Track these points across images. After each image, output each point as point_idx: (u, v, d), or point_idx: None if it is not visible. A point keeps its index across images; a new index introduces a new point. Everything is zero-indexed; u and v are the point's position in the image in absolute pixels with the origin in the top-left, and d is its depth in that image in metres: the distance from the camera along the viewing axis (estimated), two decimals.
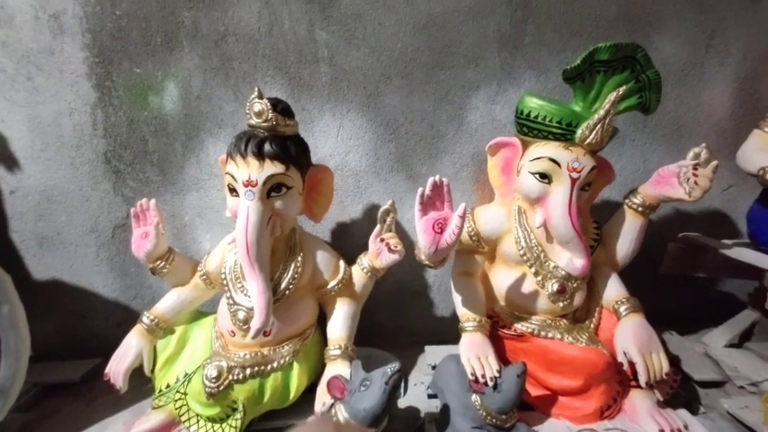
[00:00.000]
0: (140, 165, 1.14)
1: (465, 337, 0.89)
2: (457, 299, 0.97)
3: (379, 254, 0.96)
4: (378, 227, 0.97)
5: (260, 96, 0.84)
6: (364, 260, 0.98)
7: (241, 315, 0.85)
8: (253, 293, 0.80)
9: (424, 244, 0.77)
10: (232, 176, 0.83)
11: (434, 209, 0.79)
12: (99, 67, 1.08)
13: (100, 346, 1.23)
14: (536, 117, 0.87)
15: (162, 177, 1.15)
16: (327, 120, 1.13)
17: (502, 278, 0.96)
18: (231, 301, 0.87)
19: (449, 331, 1.28)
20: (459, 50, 1.11)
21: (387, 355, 1.11)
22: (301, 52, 1.09)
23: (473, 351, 0.85)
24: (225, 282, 0.88)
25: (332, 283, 0.95)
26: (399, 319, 1.28)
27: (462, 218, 0.76)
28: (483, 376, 0.79)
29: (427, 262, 0.83)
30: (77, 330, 1.23)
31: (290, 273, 0.88)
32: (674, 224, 1.20)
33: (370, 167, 1.17)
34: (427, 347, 1.19)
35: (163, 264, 0.93)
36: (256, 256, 0.81)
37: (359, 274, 0.98)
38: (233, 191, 0.85)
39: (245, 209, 0.81)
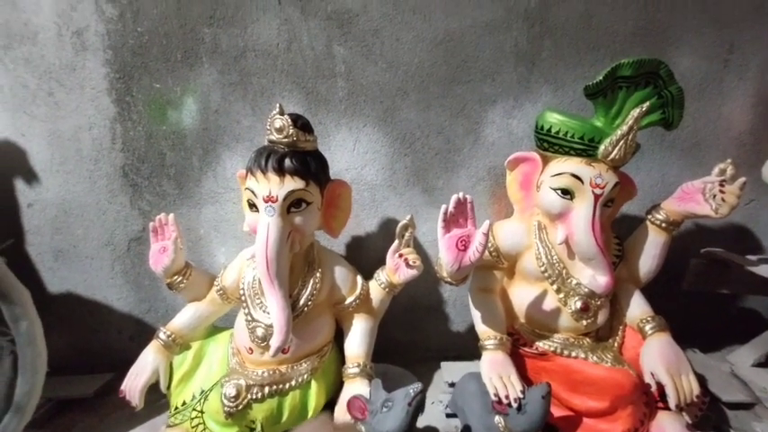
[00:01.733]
0: (157, 178, 1.15)
1: (486, 356, 0.87)
2: (476, 316, 0.95)
3: (396, 269, 0.95)
4: (396, 242, 0.96)
5: (281, 112, 0.84)
6: (382, 275, 0.97)
7: (259, 332, 0.84)
8: (272, 310, 0.79)
9: (447, 261, 0.76)
10: (252, 192, 0.83)
11: (457, 226, 0.78)
12: (119, 82, 1.09)
13: (113, 360, 1.22)
14: (557, 132, 0.86)
15: (179, 191, 1.16)
16: (344, 134, 1.13)
17: (522, 295, 0.95)
18: (249, 318, 0.86)
19: (465, 347, 1.26)
20: (475, 65, 1.11)
21: (403, 372, 1.09)
22: (319, 67, 1.10)
23: (495, 370, 0.83)
24: (243, 298, 0.87)
25: (350, 299, 0.94)
26: (414, 335, 1.26)
27: (486, 235, 0.75)
28: (507, 397, 0.77)
29: (449, 279, 0.82)
30: (91, 344, 1.23)
31: (309, 289, 0.87)
32: (696, 239, 1.18)
33: (386, 181, 1.17)
34: (443, 364, 1.17)
35: (180, 279, 0.93)
36: (276, 273, 0.80)
37: (376, 290, 0.97)
38: (252, 206, 0.85)
39: (266, 225, 0.81)
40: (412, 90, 1.12)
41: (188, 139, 1.13)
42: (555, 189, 0.86)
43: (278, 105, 0.85)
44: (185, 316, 0.96)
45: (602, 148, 0.83)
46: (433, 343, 1.26)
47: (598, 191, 0.83)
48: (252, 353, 0.86)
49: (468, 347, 1.26)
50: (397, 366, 1.11)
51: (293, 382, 0.84)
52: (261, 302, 0.86)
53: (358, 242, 1.21)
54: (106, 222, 1.17)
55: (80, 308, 1.21)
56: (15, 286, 0.81)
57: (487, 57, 1.11)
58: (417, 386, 0.71)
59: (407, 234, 0.95)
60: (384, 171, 1.16)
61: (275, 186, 0.82)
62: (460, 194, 0.79)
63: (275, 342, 0.76)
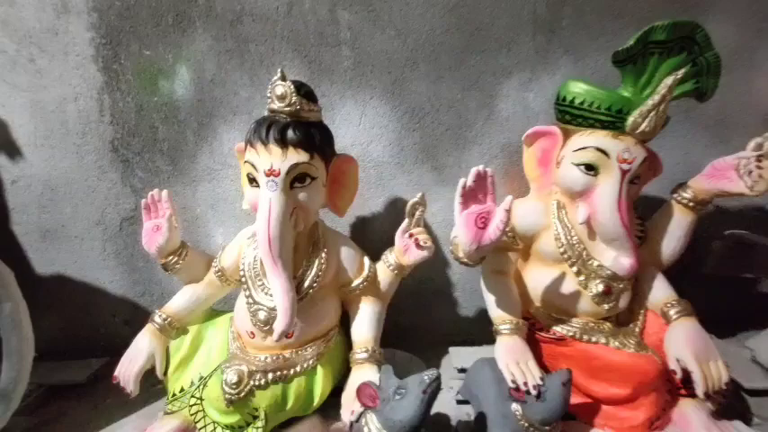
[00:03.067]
0: (150, 154, 1.08)
1: (501, 341, 0.82)
2: (489, 299, 0.90)
3: (406, 250, 0.89)
4: (406, 221, 0.90)
5: (283, 78, 0.77)
6: (390, 257, 0.92)
7: (262, 315, 0.78)
8: (276, 292, 0.73)
9: (465, 240, 0.70)
10: (252, 165, 0.77)
11: (476, 202, 0.72)
12: (106, 48, 1.01)
13: (106, 345, 1.18)
14: (581, 103, 0.80)
15: (172, 167, 1.09)
16: (349, 107, 1.06)
17: (538, 277, 0.90)
18: (251, 301, 0.80)
19: (473, 332, 1.22)
20: (490, 34, 1.03)
21: (410, 357, 1.05)
22: (322, 34, 1.02)
23: (511, 356, 0.78)
24: (243, 279, 0.82)
25: (356, 282, 0.88)
26: (421, 319, 1.21)
27: (509, 212, 0.69)
28: (525, 384, 0.73)
29: (465, 259, 0.76)
30: (82, 328, 1.18)
31: (314, 270, 0.82)
32: (719, 221, 1.13)
33: (393, 158, 1.10)
34: (451, 349, 1.13)
35: (176, 259, 0.87)
36: (279, 252, 0.74)
37: (384, 272, 0.92)
38: (252, 181, 0.78)
39: (267, 200, 0.75)
40: (422, 60, 1.04)
41: (181, 112, 1.05)
42: (577, 164, 0.80)
43: (279, 70, 0.78)
44: (182, 299, 0.90)
45: (630, 119, 0.77)
46: (440, 327, 1.22)
47: (625, 166, 0.77)
48: (254, 337, 0.81)
49: (478, 332, 1.23)
50: (403, 351, 1.07)
51: (298, 368, 0.79)
52: (263, 284, 0.80)
53: (363, 222, 1.15)
54: (96, 200, 1.10)
55: (71, 290, 1.15)
56: None
57: (503, 24, 1.03)
58: (433, 373, 0.66)
59: (418, 213, 0.89)
60: (391, 147, 1.09)
61: (277, 159, 0.75)
62: (481, 167, 0.73)
63: (279, 326, 0.71)
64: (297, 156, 0.76)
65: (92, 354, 1.14)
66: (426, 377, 0.66)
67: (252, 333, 0.81)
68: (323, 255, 0.83)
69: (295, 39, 1.02)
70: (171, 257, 0.87)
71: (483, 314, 1.22)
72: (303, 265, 0.82)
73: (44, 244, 1.12)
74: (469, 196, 0.71)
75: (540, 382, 0.72)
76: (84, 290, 1.15)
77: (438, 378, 0.66)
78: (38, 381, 1.00)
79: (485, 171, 0.72)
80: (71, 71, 1.02)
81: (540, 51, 1.05)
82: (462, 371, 1.04)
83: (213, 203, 1.12)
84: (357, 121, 1.07)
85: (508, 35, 1.04)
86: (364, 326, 0.87)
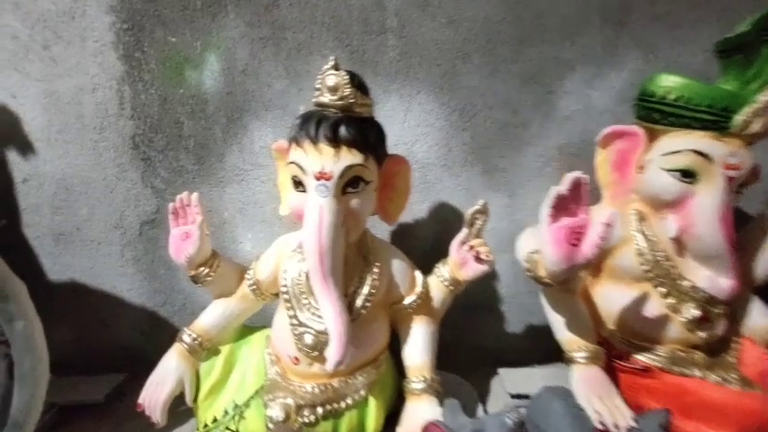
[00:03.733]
0: (174, 151, 0.98)
1: (578, 372, 0.72)
2: (556, 320, 0.80)
3: (463, 264, 0.80)
4: (463, 231, 0.80)
5: (336, 67, 0.68)
6: (444, 270, 0.82)
7: (309, 339, 0.69)
8: (327, 315, 0.64)
9: (554, 258, 0.60)
10: (299, 167, 0.67)
11: (567, 214, 0.62)
12: (127, 34, 0.91)
13: (124, 358, 1.08)
14: (676, 99, 0.69)
15: (198, 166, 0.99)
16: (393, 102, 0.96)
17: (614, 297, 0.80)
18: (295, 322, 0.70)
19: (521, 349, 1.12)
20: (552, 23, 0.93)
21: (460, 381, 0.95)
22: (366, 21, 0.92)
23: (594, 390, 0.68)
24: (286, 297, 0.72)
25: (409, 299, 0.78)
26: (465, 335, 1.11)
27: (610, 227, 0.59)
28: (616, 426, 0.63)
29: (548, 279, 0.66)
30: (98, 339, 1.08)
31: (367, 287, 0.72)
32: None
33: (439, 160, 1.00)
34: (502, 371, 1.03)
35: (207, 271, 0.78)
36: (331, 268, 0.64)
37: (438, 287, 0.82)
38: (298, 184, 0.69)
39: (317, 208, 0.65)
40: (475, 51, 0.94)
41: (209, 106, 0.95)
42: (670, 170, 0.70)
43: (332, 59, 0.68)
44: (212, 315, 0.81)
45: (738, 118, 0.66)
46: (486, 345, 1.12)
47: (732, 172, 0.66)
48: (298, 363, 0.71)
49: (526, 350, 1.13)
50: (451, 374, 0.97)
51: (349, 400, 0.70)
52: (309, 303, 0.70)
53: (405, 230, 1.05)
54: (114, 202, 1.01)
55: (86, 299, 1.06)
56: (8, 279, 0.66)
57: (567, 14, 0.92)
58: (515, 415, 0.57)
59: (479, 222, 0.79)
60: (438, 148, 0.99)
61: (329, 160, 0.65)
62: (578, 174, 0.62)
63: (334, 355, 0.62)
64: (350, 157, 0.66)
65: (108, 368, 1.04)
66: (509, 420, 0.57)
67: (296, 359, 0.71)
68: (375, 269, 0.73)
69: (336, 25, 0.92)
70: (202, 269, 0.77)
71: (532, 331, 1.13)
72: (355, 281, 0.72)
73: (57, 248, 1.03)
74: (560, 207, 0.61)
75: (634, 424, 0.62)
76: (101, 299, 1.06)
77: (523, 424, 0.56)
78: (50, 400, 0.91)
79: (581, 178, 0.62)
80: (89, 59, 0.92)
81: (607, 45, 0.94)
82: (517, 397, 0.94)
83: (242, 207, 1.02)
84: (402, 119, 0.97)
85: (572, 26, 0.93)
86: (419, 350, 0.77)
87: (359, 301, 0.71)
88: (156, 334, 1.09)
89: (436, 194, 1.02)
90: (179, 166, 0.99)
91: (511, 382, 0.98)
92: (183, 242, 0.77)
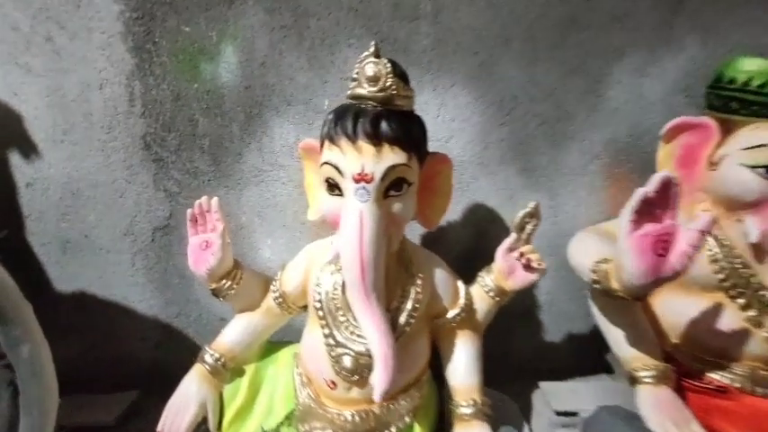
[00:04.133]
0: (188, 152, 0.91)
1: (647, 394, 0.64)
2: (613, 333, 0.73)
3: (511, 272, 0.72)
4: (512, 236, 0.72)
5: (376, 54, 0.60)
6: (488, 279, 0.74)
7: (348, 362, 0.61)
8: (370, 336, 0.56)
9: (637, 271, 0.52)
10: (335, 168, 0.59)
11: (652, 219, 0.54)
12: (137, 24, 0.84)
13: (136, 374, 1.01)
14: (761, 87, 0.61)
15: (214, 168, 0.92)
16: (426, 95, 0.88)
17: (680, 308, 0.72)
18: (332, 342, 0.63)
19: (559, 360, 1.05)
20: (600, 5, 0.84)
21: (501, 398, 0.87)
22: (398, 6, 0.84)
23: (668, 415, 0.60)
24: (321, 314, 0.64)
25: (452, 312, 0.71)
26: (501, 345, 1.03)
27: (704, 234, 0.51)
28: None
29: (621, 293, 0.58)
30: (108, 354, 1.01)
31: (410, 302, 0.64)
32: None
33: (475, 157, 0.92)
34: (544, 385, 0.95)
35: (229, 283, 0.70)
36: (374, 282, 0.57)
37: (481, 298, 0.74)
38: (334, 187, 0.61)
39: (357, 214, 0.57)
40: (516, 38, 0.86)
41: (226, 102, 0.88)
42: (752, 167, 0.62)
43: (372, 44, 0.60)
44: (235, 332, 0.73)
45: None
46: (523, 355, 1.04)
47: None
48: (335, 388, 0.64)
49: (565, 361, 1.05)
50: (494, 390, 0.89)
51: (393, 429, 0.63)
52: (347, 320, 0.63)
53: (435, 233, 0.97)
54: (124, 207, 0.93)
55: (94, 311, 0.99)
56: (12, 299, 0.59)
57: None
58: None
59: (530, 227, 0.71)
60: (474, 144, 0.91)
61: (370, 160, 0.58)
62: (667, 173, 0.54)
63: (381, 383, 0.54)
64: (393, 156, 0.58)
65: (119, 385, 0.97)
66: None
67: (332, 383, 0.64)
68: (418, 281, 0.66)
69: (364, 11, 0.84)
70: (224, 281, 0.70)
71: (573, 341, 1.05)
72: (397, 295, 0.64)
73: (64, 257, 0.96)
74: (644, 211, 0.53)
75: None
76: (110, 310, 0.99)
77: None
78: (58, 422, 0.84)
79: (671, 178, 0.54)
80: (96, 52, 0.85)
81: (661, 27, 0.86)
82: (564, 414, 0.87)
83: (260, 210, 0.95)
84: (435, 113, 0.89)
85: (622, 7, 0.85)
86: (465, 369, 0.69)
87: (402, 318, 0.63)
88: (169, 347, 1.02)
89: (471, 195, 0.95)
90: (193, 168, 0.92)
91: (555, 397, 0.90)
92: (203, 252, 0.69)
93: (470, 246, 0.96)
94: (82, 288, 0.98)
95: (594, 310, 0.79)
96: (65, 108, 0.87)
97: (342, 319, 0.63)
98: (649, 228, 0.52)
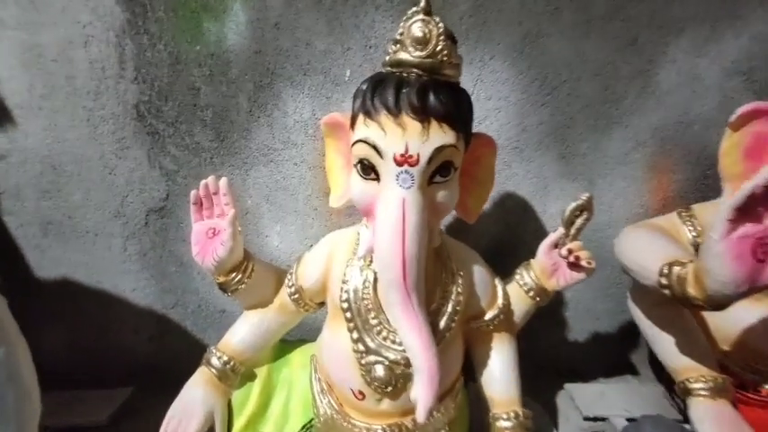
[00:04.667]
0: (187, 125, 0.80)
1: (705, 407, 0.59)
2: (663, 341, 0.67)
3: (555, 270, 0.65)
4: (558, 231, 0.65)
5: (427, 10, 0.50)
6: (528, 277, 0.66)
7: (381, 371, 0.53)
8: (411, 344, 0.48)
9: (733, 277, 0.45)
10: (373, 147, 0.50)
11: (751, 219, 0.46)
12: None
13: (129, 369, 0.93)
14: None
15: (218, 144, 0.81)
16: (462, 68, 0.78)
17: (733, 313, 0.64)
18: (362, 348, 0.54)
19: (579, 359, 0.99)
20: None
21: (529, 402, 0.81)
22: None
23: None
24: (349, 315, 0.56)
25: (490, 314, 0.63)
26: (520, 343, 0.98)
27: None
28: None
29: (701, 301, 0.51)
30: (98, 347, 0.92)
31: (451, 304, 0.56)
32: None
33: (511, 141, 0.83)
34: (569, 387, 0.90)
35: (239, 277, 0.61)
36: (416, 283, 0.49)
37: (520, 297, 0.67)
38: (369, 169, 0.52)
39: (398, 202, 0.49)
40: (566, 6, 0.76)
41: (233, 68, 0.77)
42: None
43: (423, 0, 0.50)
44: (245, 331, 0.65)
45: None
46: (545, 354, 0.98)
47: None
48: (363, 398, 0.56)
49: (585, 360, 1.00)
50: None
51: None
52: (379, 324, 0.55)
53: (463, 224, 0.89)
54: (114, 185, 0.83)
55: (81, 300, 0.89)
56: None
57: None
58: None
59: (580, 221, 0.63)
60: (511, 127, 0.82)
61: (415, 139, 0.49)
62: None
63: (426, 399, 0.46)
64: (441, 135, 0.49)
65: (111, 381, 0.89)
66: None
67: (360, 393, 0.56)
68: (459, 280, 0.58)
69: None
70: (233, 274, 0.61)
71: (598, 340, 1.00)
72: (436, 296, 0.56)
73: (46, 240, 0.85)
74: (744, 210, 0.45)
75: None
76: (99, 300, 0.89)
77: None
78: (45, 422, 0.76)
79: None
80: (79, 3, 0.73)
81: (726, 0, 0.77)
82: (592, 419, 0.82)
83: (269, 193, 0.85)
84: (470, 89, 0.78)
85: None
86: (504, 378, 0.63)
87: (442, 322, 0.55)
88: (166, 340, 0.94)
89: (502, 182, 0.86)
90: (194, 143, 0.81)
91: (583, 401, 0.85)
92: (209, 241, 0.60)
93: (500, 238, 0.89)
94: (66, 275, 0.88)
95: (637, 313, 0.73)
96: (43, 69, 0.75)
97: (373, 322, 0.55)
98: (749, 229, 0.45)
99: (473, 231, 0.88)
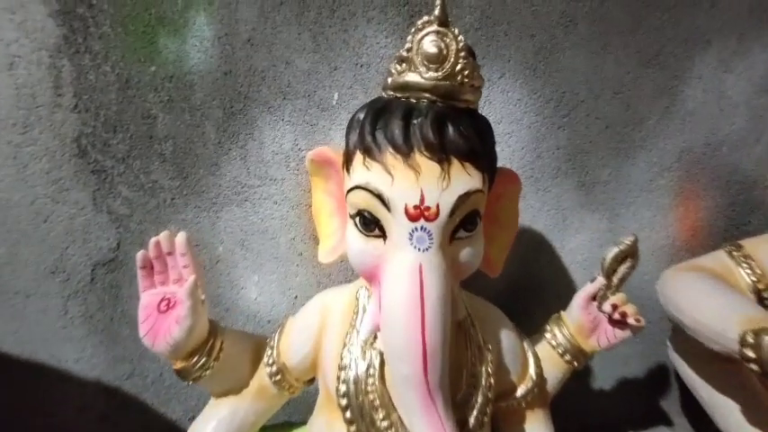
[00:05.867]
0: (142, 160, 0.66)
1: None
2: (725, 407, 0.56)
3: (594, 328, 0.54)
4: (597, 281, 0.54)
5: (443, 20, 0.39)
6: (560, 335, 0.55)
7: None
8: None
9: None
10: (377, 196, 0.38)
11: None
12: None
13: None
14: None
15: (180, 182, 0.67)
16: None
17: None
18: None
19: (612, 411, 0.88)
20: None
21: None
22: None
23: None
24: (350, 416, 0.42)
25: (522, 389, 0.51)
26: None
27: None
28: None
29: None
30: (35, 429, 0.75)
31: (482, 392, 0.44)
32: None
33: (525, 169, 0.73)
34: None
35: (203, 361, 0.47)
36: (440, 376, 0.36)
37: (552, 361, 0.55)
38: (371, 224, 0.40)
39: (414, 269, 0.36)
40: (583, 17, 0.67)
41: (197, 92, 0.64)
42: None
43: (438, 3, 0.39)
44: (211, 428, 0.50)
45: None
46: (569, 409, 0.86)
47: None
48: None
49: (617, 410, 0.89)
50: None
51: None
52: (390, 426, 0.41)
53: None
54: (51, 235, 0.67)
55: (11, 375, 0.72)
56: None
57: None
58: None
59: (624, 269, 0.53)
60: (525, 153, 0.72)
61: (433, 184, 0.37)
62: None
63: None
64: (466, 178, 0.38)
65: None
66: None
67: None
68: (488, 357, 0.45)
69: None
70: (195, 359, 0.47)
71: (626, 387, 0.89)
72: (462, 383, 0.43)
73: None
74: None
75: None
76: (34, 373, 0.72)
77: None
78: None
79: None
80: (2, 16, 0.59)
81: (756, 9, 0.70)
82: None
83: (244, 238, 0.71)
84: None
85: None
86: None
87: (472, 419, 0.43)
88: (120, 419, 0.77)
89: None
90: (150, 182, 0.67)
91: None
92: (162, 316, 0.46)
93: (514, 278, 0.77)
94: None
95: (685, 369, 0.63)
96: None
97: (383, 424, 0.41)
98: None
99: (484, 275, 0.77)
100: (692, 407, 0.87)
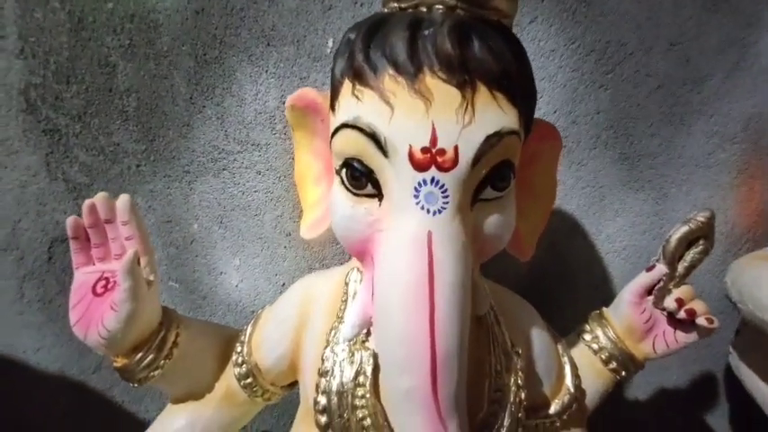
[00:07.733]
0: (101, 118, 0.56)
1: None
2: None
3: (649, 329, 0.42)
4: (657, 269, 0.42)
5: None
6: (603, 338, 0.43)
7: None
8: None
9: None
10: (370, 135, 0.27)
11: None
12: None
13: None
14: None
15: (146, 145, 0.57)
16: None
17: None
18: None
19: (647, 425, 0.77)
20: None
21: None
22: None
23: None
24: (330, 425, 0.32)
25: (557, 404, 0.40)
26: None
27: None
28: None
29: None
30: None
31: (509, 411, 0.33)
32: None
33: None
34: None
35: (149, 358, 0.37)
36: (455, 392, 0.25)
37: (592, 369, 0.43)
38: (361, 178, 0.29)
39: (420, 240, 0.25)
40: None
41: (163, 35, 0.53)
42: None
43: None
44: None
45: None
46: (602, 420, 0.75)
47: None
48: None
49: (653, 425, 0.78)
50: None
51: None
52: None
53: None
54: (0, 206, 0.58)
55: None
56: None
57: None
58: None
59: (694, 254, 0.41)
60: (557, 116, 0.60)
61: (451, 118, 0.26)
62: None
63: None
64: (498, 112, 0.27)
65: None
66: None
67: None
68: (518, 363, 0.34)
69: None
70: (139, 355, 0.37)
71: (662, 397, 0.77)
72: (484, 400, 0.32)
73: None
74: None
75: None
76: None
77: None
78: None
79: None
80: None
81: None
82: None
83: (223, 214, 0.61)
84: None
85: None
86: None
87: None
88: (83, 416, 0.68)
89: None
90: (111, 145, 0.57)
91: None
92: (98, 300, 0.36)
93: (543, 266, 0.66)
94: None
95: (757, 382, 0.50)
96: None
97: None
98: None
99: (507, 264, 0.65)
100: (746, 426, 0.75)
